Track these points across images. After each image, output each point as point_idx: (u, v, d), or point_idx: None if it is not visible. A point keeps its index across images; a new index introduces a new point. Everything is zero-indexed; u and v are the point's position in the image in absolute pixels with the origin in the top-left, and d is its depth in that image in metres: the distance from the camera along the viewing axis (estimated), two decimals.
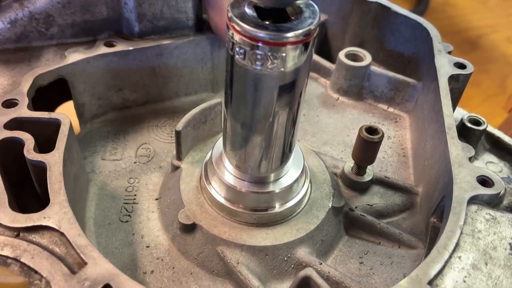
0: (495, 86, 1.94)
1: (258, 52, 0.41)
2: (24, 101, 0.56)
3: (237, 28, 0.41)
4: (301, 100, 0.48)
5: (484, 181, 0.51)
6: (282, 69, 0.42)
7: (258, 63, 0.42)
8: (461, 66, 0.68)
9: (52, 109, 0.76)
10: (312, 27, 0.41)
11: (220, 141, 0.57)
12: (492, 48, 2.15)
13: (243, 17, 0.41)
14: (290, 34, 0.40)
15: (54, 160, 0.49)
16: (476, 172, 0.51)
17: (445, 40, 0.73)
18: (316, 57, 0.84)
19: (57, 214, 0.44)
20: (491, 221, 0.48)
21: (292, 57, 0.42)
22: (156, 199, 0.61)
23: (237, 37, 0.41)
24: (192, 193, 0.57)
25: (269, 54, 0.41)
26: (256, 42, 0.40)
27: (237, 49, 0.42)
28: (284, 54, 0.41)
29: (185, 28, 0.71)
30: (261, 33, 0.40)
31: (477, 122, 0.71)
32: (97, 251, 0.41)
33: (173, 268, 0.54)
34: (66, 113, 0.56)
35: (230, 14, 0.41)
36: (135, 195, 0.62)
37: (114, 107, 0.72)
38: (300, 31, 0.40)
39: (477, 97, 1.84)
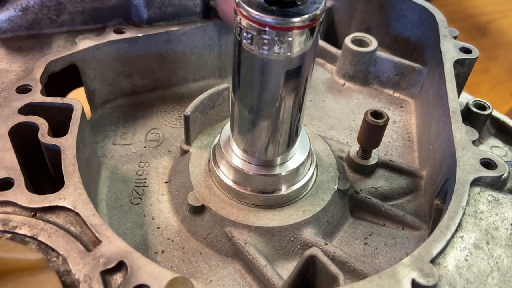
0: (503, 73, 1.92)
1: (265, 36, 0.42)
2: (37, 87, 0.57)
3: (244, 13, 0.42)
4: (307, 85, 0.49)
5: (487, 164, 0.52)
6: (289, 53, 0.43)
7: (265, 47, 0.43)
8: (467, 50, 0.68)
9: (64, 95, 0.77)
10: (318, 12, 0.42)
11: (228, 126, 0.58)
12: (501, 34, 2.13)
13: (250, 3, 0.42)
14: (296, 19, 0.41)
15: (67, 144, 0.51)
16: (480, 154, 0.52)
17: (453, 26, 0.74)
18: (322, 43, 0.84)
19: (72, 195, 0.46)
20: (494, 202, 0.49)
21: (298, 42, 0.42)
22: (166, 182, 0.63)
23: (244, 22, 0.42)
24: (201, 176, 0.58)
25: (276, 38, 0.42)
26: (263, 27, 0.41)
27: (244, 34, 0.43)
28: (290, 39, 0.42)
29: (192, 14, 0.72)
30: (267, 18, 0.41)
31: (482, 107, 0.72)
32: (110, 230, 0.43)
33: (183, 248, 0.55)
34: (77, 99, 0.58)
35: (238, 0, 0.42)
36: (145, 178, 0.63)
37: (124, 93, 0.74)
38: (306, 16, 0.41)
39: (485, 84, 1.82)
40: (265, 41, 0.42)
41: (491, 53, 1.97)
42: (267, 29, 0.41)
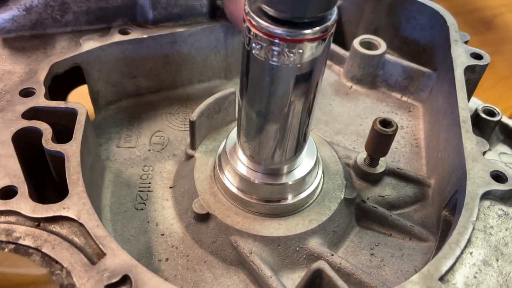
0: (508, 68, 1.90)
1: (275, 48, 0.41)
2: (41, 90, 0.56)
3: (254, 23, 0.41)
4: (317, 89, 0.47)
5: (498, 176, 0.51)
6: (299, 64, 0.42)
7: (275, 58, 0.42)
8: (478, 56, 0.67)
9: (65, 93, 0.77)
10: (329, 23, 0.41)
11: (233, 132, 0.58)
12: (507, 28, 2.10)
13: (260, 12, 0.41)
14: (307, 31, 0.40)
15: (72, 151, 0.50)
16: (490, 167, 0.51)
17: (458, 20, 0.73)
18: None
19: (76, 205, 0.45)
20: (504, 217, 0.48)
21: (309, 53, 0.41)
22: (170, 187, 0.62)
23: (253, 32, 0.41)
24: (206, 183, 0.58)
25: (286, 50, 0.41)
26: (273, 38, 0.40)
27: (253, 44, 0.42)
28: (301, 51, 0.41)
29: (199, 15, 0.71)
30: (278, 30, 0.40)
31: (491, 113, 0.71)
32: (115, 242, 0.43)
33: (187, 256, 0.55)
34: (78, 98, 0.56)
35: (247, 9, 0.41)
36: (149, 183, 0.63)
37: (128, 94, 0.72)
38: (318, 28, 0.40)
39: (490, 79, 1.79)
40: (275, 52, 0.41)
41: (497, 48, 1.94)
42: (277, 40, 0.40)
